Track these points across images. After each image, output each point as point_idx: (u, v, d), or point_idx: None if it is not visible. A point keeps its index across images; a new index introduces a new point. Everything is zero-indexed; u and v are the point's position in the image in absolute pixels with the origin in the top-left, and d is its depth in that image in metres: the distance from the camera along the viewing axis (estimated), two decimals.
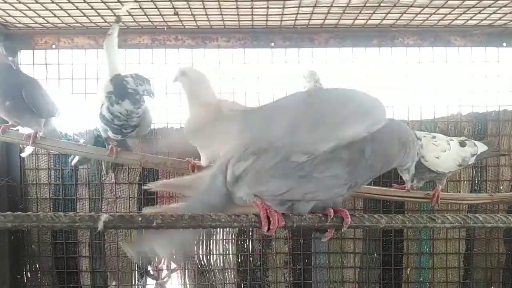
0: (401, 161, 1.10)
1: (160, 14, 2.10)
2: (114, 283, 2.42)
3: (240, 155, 1.07)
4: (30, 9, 2.02)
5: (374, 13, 2.09)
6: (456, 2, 1.97)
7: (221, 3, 1.95)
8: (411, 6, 2.00)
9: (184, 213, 1.07)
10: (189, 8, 2.01)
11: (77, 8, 2.01)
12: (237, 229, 2.38)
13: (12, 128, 2.09)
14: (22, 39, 2.28)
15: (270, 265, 2.43)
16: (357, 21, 2.21)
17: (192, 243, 1.95)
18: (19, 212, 1.04)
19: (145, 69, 2.30)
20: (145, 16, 2.12)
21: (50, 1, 1.93)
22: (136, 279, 2.44)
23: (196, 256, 2.41)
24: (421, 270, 2.44)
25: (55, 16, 2.10)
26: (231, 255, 2.42)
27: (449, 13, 2.09)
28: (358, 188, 1.20)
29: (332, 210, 1.10)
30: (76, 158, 2.18)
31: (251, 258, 2.43)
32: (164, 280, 2.40)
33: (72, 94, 2.35)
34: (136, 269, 2.43)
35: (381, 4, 1.98)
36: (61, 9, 2.02)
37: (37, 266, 2.42)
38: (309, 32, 2.32)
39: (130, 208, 2.39)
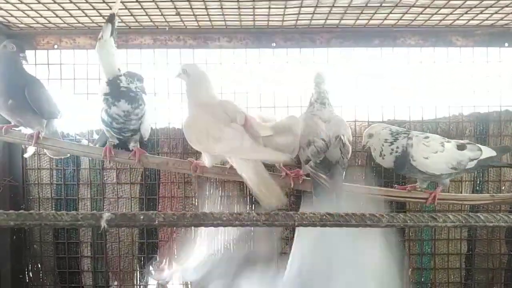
0: None
1: (162, 14, 2.10)
2: (116, 283, 2.43)
3: None
4: (32, 10, 2.03)
5: (375, 13, 2.09)
6: (458, 2, 1.97)
7: (222, 3, 1.95)
8: (412, 6, 2.00)
9: (186, 212, 1.07)
10: (191, 8, 2.01)
11: (79, 9, 2.02)
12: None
13: (15, 129, 2.09)
14: (24, 39, 2.28)
15: None
16: (358, 21, 2.21)
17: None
18: (21, 211, 1.04)
19: (146, 69, 2.30)
20: (146, 16, 2.13)
21: (52, 2, 1.94)
22: (138, 279, 2.45)
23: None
24: (423, 271, 2.44)
25: (57, 16, 2.11)
26: None
27: (451, 13, 2.10)
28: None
29: None
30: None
31: None
32: (166, 280, 2.40)
33: (74, 94, 2.35)
34: (138, 269, 2.44)
35: (383, 4, 1.99)
36: (63, 9, 2.02)
37: (39, 266, 2.43)
38: (311, 32, 2.33)
39: (132, 208, 2.39)
